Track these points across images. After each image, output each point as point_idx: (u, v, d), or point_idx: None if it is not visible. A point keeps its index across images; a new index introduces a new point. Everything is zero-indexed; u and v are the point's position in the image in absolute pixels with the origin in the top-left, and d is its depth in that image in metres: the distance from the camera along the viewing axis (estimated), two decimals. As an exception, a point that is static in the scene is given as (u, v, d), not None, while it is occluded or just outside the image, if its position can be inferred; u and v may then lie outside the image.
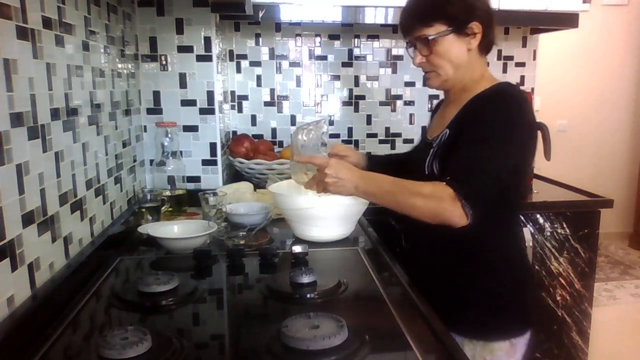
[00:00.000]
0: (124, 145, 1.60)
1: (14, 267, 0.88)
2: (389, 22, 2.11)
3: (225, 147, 2.04)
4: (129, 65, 1.67)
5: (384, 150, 2.48)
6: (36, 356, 0.81)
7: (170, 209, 1.67)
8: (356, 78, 2.44)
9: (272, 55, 2.37)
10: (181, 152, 1.78)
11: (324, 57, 2.40)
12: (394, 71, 2.45)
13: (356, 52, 2.42)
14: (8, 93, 0.88)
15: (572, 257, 2.00)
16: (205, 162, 1.87)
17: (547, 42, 3.02)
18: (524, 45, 2.52)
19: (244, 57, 2.36)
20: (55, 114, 1.07)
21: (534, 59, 2.54)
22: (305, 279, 1.05)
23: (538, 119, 1.27)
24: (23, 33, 0.94)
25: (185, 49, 1.78)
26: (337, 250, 1.36)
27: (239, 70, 2.36)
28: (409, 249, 1.37)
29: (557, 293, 2.02)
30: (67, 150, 1.14)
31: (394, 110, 2.49)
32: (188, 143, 1.83)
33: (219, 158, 1.87)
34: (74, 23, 1.19)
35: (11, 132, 0.89)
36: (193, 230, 1.36)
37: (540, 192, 2.10)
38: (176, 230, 1.39)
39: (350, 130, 2.47)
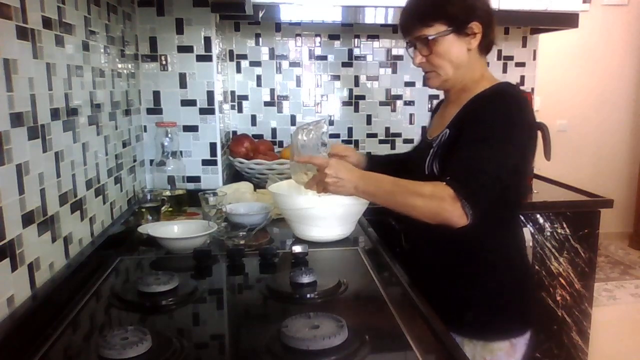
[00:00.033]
0: (124, 145, 1.60)
1: (14, 267, 0.88)
2: (389, 22, 2.11)
3: (225, 147, 2.04)
4: (129, 65, 1.67)
5: (384, 150, 2.48)
6: (36, 356, 0.81)
7: (170, 209, 1.67)
8: (356, 78, 2.44)
9: (272, 55, 2.37)
10: (181, 152, 1.78)
11: (324, 57, 2.40)
12: (394, 71, 2.46)
13: (356, 52, 2.42)
14: (8, 93, 0.88)
15: (572, 257, 2.00)
16: (205, 162, 1.87)
17: (547, 42, 3.02)
18: (524, 45, 2.52)
19: (244, 57, 2.36)
20: (55, 114, 1.07)
21: (534, 59, 2.54)
22: (305, 279, 1.05)
23: (538, 119, 1.27)
24: (23, 33, 0.94)
25: (185, 49, 1.78)
26: (337, 250, 1.36)
27: (239, 70, 2.36)
28: (409, 249, 1.37)
29: (557, 293, 2.02)
30: (67, 150, 1.14)
31: (394, 110, 2.49)
32: (188, 143, 1.83)
33: (219, 158, 1.87)
34: (74, 23, 1.19)
35: (11, 132, 0.89)
36: (193, 230, 1.36)
37: (540, 192, 2.10)
38: (176, 230, 1.39)
39: (350, 130, 2.47)
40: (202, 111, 1.82)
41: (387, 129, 2.50)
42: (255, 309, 1.05)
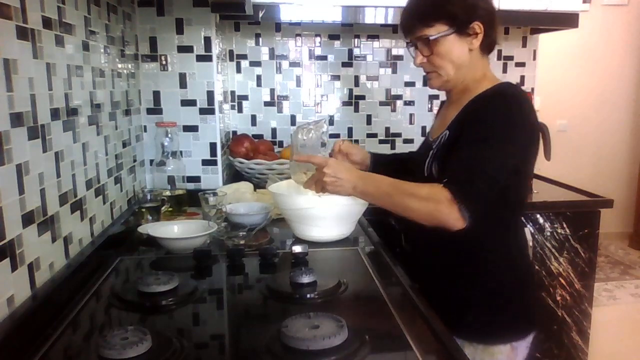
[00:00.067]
0: (124, 145, 1.60)
1: (14, 267, 0.88)
2: (389, 22, 2.11)
3: (225, 147, 2.04)
4: (129, 65, 1.67)
5: (384, 150, 2.47)
6: (36, 356, 0.81)
7: (170, 209, 1.67)
8: (356, 78, 2.44)
9: (272, 55, 2.37)
10: (181, 152, 1.78)
11: (324, 57, 2.40)
12: (394, 71, 2.46)
13: (356, 52, 2.42)
14: (8, 93, 0.88)
15: (572, 257, 2.00)
16: (205, 162, 1.87)
17: (547, 42, 3.02)
18: (524, 45, 2.52)
19: (244, 57, 2.36)
20: (55, 114, 1.07)
21: (534, 59, 2.54)
22: (305, 279, 1.05)
23: (538, 119, 1.27)
24: (23, 33, 0.94)
25: (185, 49, 1.78)
26: (337, 250, 1.36)
27: (239, 70, 2.36)
28: (409, 249, 1.37)
29: (557, 293, 2.02)
30: (67, 150, 1.14)
31: (394, 110, 2.49)
32: (188, 143, 1.83)
33: (219, 158, 1.87)
34: (74, 23, 1.19)
35: (11, 132, 0.89)
36: (193, 230, 1.36)
37: (540, 192, 2.10)
38: (176, 230, 1.39)
39: (350, 130, 2.47)
40: (202, 111, 1.82)
41: (387, 129, 2.50)
42: (255, 309, 1.05)
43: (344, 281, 1.08)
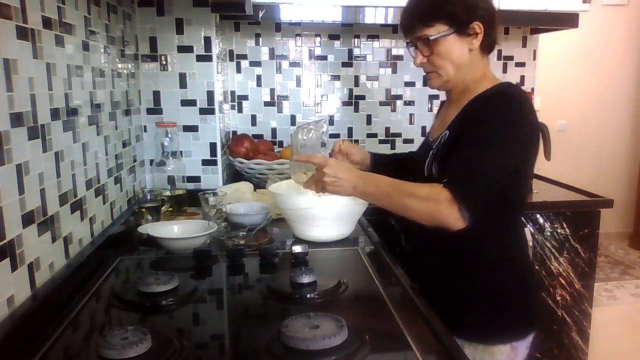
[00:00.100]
0: (124, 145, 1.60)
1: (14, 267, 0.88)
2: (389, 22, 2.11)
3: (225, 147, 2.04)
4: (129, 65, 1.67)
5: (384, 150, 2.47)
6: (36, 356, 0.81)
7: (170, 209, 1.67)
8: (356, 78, 2.44)
9: (272, 55, 2.37)
10: (181, 152, 1.78)
11: (324, 57, 2.40)
12: (394, 71, 2.46)
13: (356, 52, 2.42)
14: (8, 93, 0.88)
15: (572, 257, 2.00)
16: (205, 162, 1.87)
17: (547, 42, 3.02)
18: (524, 45, 2.52)
19: (244, 57, 2.36)
20: (55, 114, 1.07)
21: (534, 59, 2.54)
22: (305, 279, 1.05)
23: (538, 119, 1.27)
24: (23, 33, 0.94)
25: (185, 49, 1.78)
26: (337, 250, 1.36)
27: (239, 70, 2.36)
28: (409, 249, 1.37)
29: (557, 293, 2.02)
30: (67, 150, 1.14)
31: (394, 110, 2.49)
32: (188, 143, 1.83)
33: (219, 158, 1.87)
34: (74, 23, 1.19)
35: (11, 132, 0.89)
36: (193, 230, 1.36)
37: (540, 192, 2.10)
38: (176, 230, 1.39)
39: (350, 130, 2.47)
40: (202, 111, 1.82)
41: (387, 129, 2.50)
42: (255, 309, 1.05)
43: (344, 281, 1.08)
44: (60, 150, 1.10)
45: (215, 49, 1.82)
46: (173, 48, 1.78)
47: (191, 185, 1.81)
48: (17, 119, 0.91)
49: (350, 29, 2.38)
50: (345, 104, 2.46)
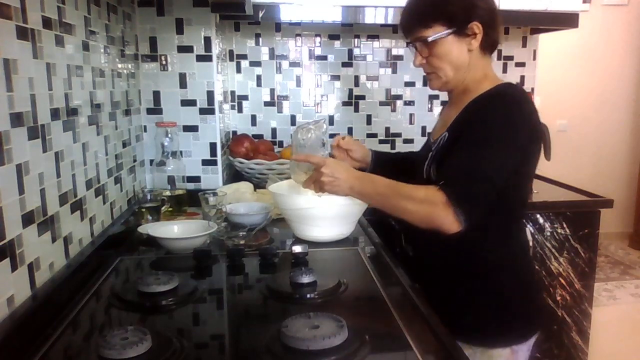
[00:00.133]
0: (124, 145, 1.60)
1: (14, 267, 0.88)
2: (389, 22, 2.11)
3: (225, 147, 2.04)
4: (129, 65, 1.67)
5: (384, 150, 2.47)
6: (36, 356, 0.81)
7: (170, 209, 1.67)
8: (356, 78, 2.44)
9: (272, 55, 2.37)
10: (181, 152, 1.78)
11: (324, 57, 2.41)
12: (394, 71, 2.46)
13: (356, 52, 2.42)
14: (8, 93, 0.88)
15: (572, 257, 2.00)
16: (205, 162, 1.87)
17: (547, 42, 3.02)
18: (524, 45, 2.52)
19: (244, 57, 2.36)
20: (55, 114, 1.07)
21: (534, 59, 2.54)
22: (305, 279, 1.05)
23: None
24: (23, 33, 0.94)
25: (185, 49, 1.78)
26: (337, 250, 1.36)
27: (239, 70, 2.36)
28: (409, 250, 1.37)
29: (557, 293, 2.02)
30: (67, 150, 1.14)
31: (394, 110, 2.49)
32: (188, 143, 1.83)
33: (219, 158, 1.87)
34: (74, 23, 1.19)
35: (11, 132, 0.89)
36: (193, 230, 1.36)
37: (540, 192, 2.10)
38: (176, 230, 1.39)
39: (350, 130, 2.47)
40: (202, 111, 1.82)
41: (387, 129, 2.50)
42: (255, 309, 1.05)
43: (344, 281, 1.08)
44: (60, 150, 1.10)
45: (215, 49, 1.82)
46: (173, 48, 1.78)
47: (191, 185, 1.81)
48: (17, 119, 0.91)
49: (350, 29, 2.38)
50: (345, 104, 2.46)
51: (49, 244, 1.03)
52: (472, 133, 1.10)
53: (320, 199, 1.28)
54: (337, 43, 2.40)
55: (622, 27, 4.14)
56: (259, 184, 1.95)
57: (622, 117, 4.30)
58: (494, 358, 1.17)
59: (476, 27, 1.14)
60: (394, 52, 2.44)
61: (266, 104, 2.41)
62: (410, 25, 1.19)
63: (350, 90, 2.45)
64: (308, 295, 1.02)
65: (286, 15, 2.03)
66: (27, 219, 0.94)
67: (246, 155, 2.09)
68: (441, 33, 1.14)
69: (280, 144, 2.41)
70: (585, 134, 4.24)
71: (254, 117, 2.41)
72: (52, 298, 0.97)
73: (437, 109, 2.46)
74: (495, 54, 1.25)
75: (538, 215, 1.95)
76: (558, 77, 4.02)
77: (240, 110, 2.39)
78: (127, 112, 1.63)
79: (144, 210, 1.56)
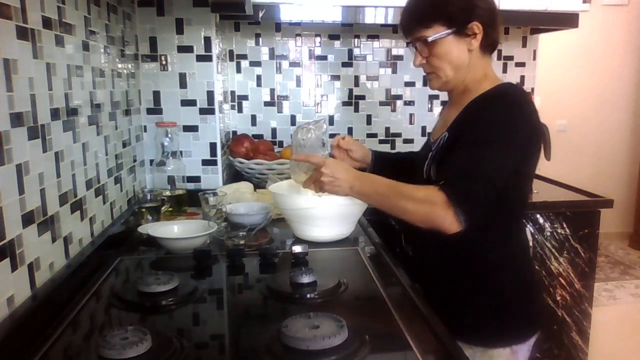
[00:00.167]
0: (124, 145, 1.60)
1: (14, 267, 0.88)
2: (389, 22, 2.11)
3: (225, 147, 2.04)
4: (129, 65, 1.67)
5: (384, 150, 2.47)
6: (36, 356, 0.81)
7: (170, 209, 1.67)
8: (356, 78, 2.44)
9: (272, 55, 2.37)
10: (181, 152, 1.78)
11: (324, 57, 2.41)
12: (394, 71, 2.46)
13: (356, 52, 2.42)
14: (8, 93, 0.88)
15: (572, 257, 2.00)
16: (205, 162, 1.87)
17: (547, 42, 3.02)
18: (524, 45, 2.52)
19: (244, 57, 2.36)
20: (55, 114, 1.07)
21: (534, 59, 2.54)
22: (305, 279, 1.05)
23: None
24: (23, 33, 0.94)
25: (185, 49, 1.78)
26: (337, 250, 1.36)
27: (239, 70, 2.36)
28: (409, 250, 1.37)
29: (557, 293, 2.02)
30: (67, 150, 1.14)
31: (394, 110, 2.49)
32: (188, 143, 1.83)
33: (219, 158, 1.87)
34: (74, 23, 1.19)
35: (11, 132, 0.89)
36: (193, 230, 1.36)
37: (540, 192, 2.10)
38: (176, 230, 1.39)
39: (350, 130, 2.47)
40: (202, 111, 1.82)
41: (387, 129, 2.50)
42: (255, 309, 1.05)
43: (344, 281, 1.08)
44: (60, 150, 1.10)
45: (215, 49, 1.82)
46: (173, 48, 1.78)
47: (191, 185, 1.82)
48: (17, 119, 0.91)
49: (350, 29, 2.38)
50: (345, 104, 2.46)
51: (49, 244, 1.03)
52: (472, 133, 1.10)
53: (320, 199, 1.28)
54: (337, 43, 2.40)
55: (622, 27, 4.14)
56: (259, 184, 1.95)
57: (622, 117, 4.30)
58: (494, 358, 1.17)
59: (476, 27, 1.14)
60: (394, 52, 2.44)
61: (266, 104, 2.41)
62: (410, 25, 1.19)
63: (350, 90, 2.45)
64: (308, 295, 1.02)
65: (286, 15, 2.03)
66: (27, 219, 0.94)
67: (246, 155, 2.09)
68: (441, 33, 1.14)
69: (280, 144, 2.42)
70: (585, 134, 4.24)
71: (254, 117, 2.41)
72: (52, 298, 0.97)
73: (437, 109, 2.46)
74: (495, 54, 1.25)
75: (538, 215, 1.95)
76: (558, 77, 4.02)
77: (240, 110, 2.39)
78: (127, 112, 1.63)
79: (144, 210, 1.56)
